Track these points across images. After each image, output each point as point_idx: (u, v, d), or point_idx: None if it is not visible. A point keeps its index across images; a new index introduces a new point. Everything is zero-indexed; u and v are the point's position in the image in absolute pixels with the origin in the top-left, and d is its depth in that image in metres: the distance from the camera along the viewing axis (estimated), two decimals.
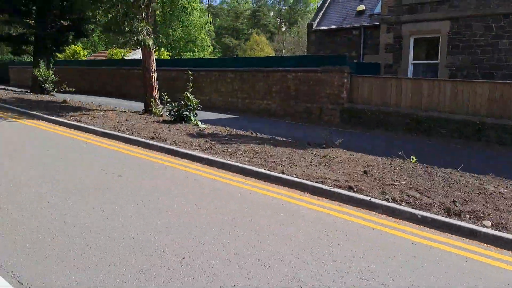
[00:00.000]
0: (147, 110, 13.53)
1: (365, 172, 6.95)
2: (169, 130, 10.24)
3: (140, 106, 18.20)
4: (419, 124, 12.97)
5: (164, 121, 11.78)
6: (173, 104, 11.49)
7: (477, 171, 7.54)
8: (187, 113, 11.25)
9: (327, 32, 23.24)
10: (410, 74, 15.61)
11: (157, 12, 64.30)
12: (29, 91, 20.22)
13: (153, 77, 13.39)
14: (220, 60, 20.93)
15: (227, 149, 8.21)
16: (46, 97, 17.18)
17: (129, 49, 28.29)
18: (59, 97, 17.89)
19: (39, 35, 20.35)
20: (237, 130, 11.69)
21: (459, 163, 7.99)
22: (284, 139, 10.69)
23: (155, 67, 13.49)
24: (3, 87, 27.05)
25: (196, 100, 11.54)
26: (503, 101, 11.52)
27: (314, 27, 24.00)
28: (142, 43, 11.69)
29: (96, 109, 14.86)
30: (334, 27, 23.09)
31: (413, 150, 9.81)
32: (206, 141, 8.99)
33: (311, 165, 7.40)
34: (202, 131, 10.28)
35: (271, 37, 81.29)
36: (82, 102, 17.59)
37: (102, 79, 27.73)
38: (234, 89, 19.25)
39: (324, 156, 8.08)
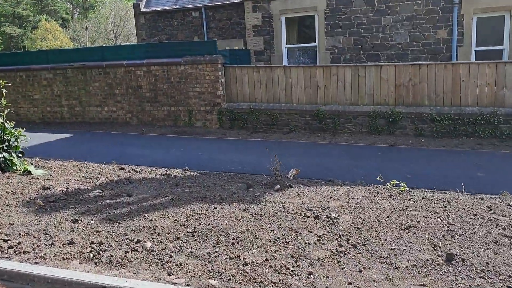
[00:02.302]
0: None
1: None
2: None
3: None
4: (321, 122, 10.83)
5: None
6: None
7: None
8: (6, 155, 6.20)
9: (160, 14, 19.32)
10: (285, 61, 13.40)
11: None
12: None
13: None
14: (24, 55, 14.69)
15: (139, 247, 4.07)
16: None
17: None
18: None
19: None
20: (101, 167, 7.27)
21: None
22: (180, 173, 6.93)
23: None
24: None
25: (17, 129, 6.50)
26: (413, 85, 10.26)
27: (142, 8, 19.71)
28: None
29: None
30: (168, 7, 19.32)
31: (354, 159, 7.42)
32: (77, 222, 4.42)
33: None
34: (47, 188, 5.60)
35: (63, 24, 70.30)
36: None
37: None
38: (55, 95, 13.68)
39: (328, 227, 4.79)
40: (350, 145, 9.55)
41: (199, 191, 5.63)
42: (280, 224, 4.34)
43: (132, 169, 7.17)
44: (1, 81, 6.50)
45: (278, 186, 5.70)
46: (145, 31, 20.33)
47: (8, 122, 6.50)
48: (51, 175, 6.43)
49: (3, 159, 6.26)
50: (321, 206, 4.93)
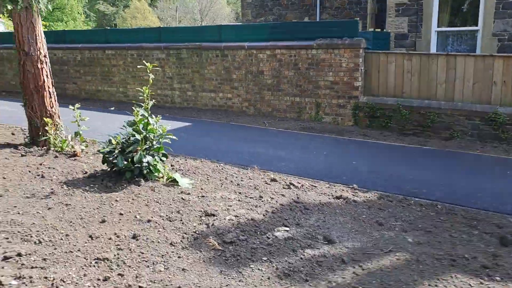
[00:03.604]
0: (35, 140, 6.53)
1: None
2: (135, 239, 3.64)
3: (11, 112, 10.56)
4: (497, 128, 8.47)
5: (91, 177, 5.19)
6: (115, 141, 4.93)
7: None
8: (150, 159, 4.85)
9: None
10: (433, 47, 11.03)
11: None
12: None
13: (44, 71, 6.35)
14: (136, 33, 13.73)
15: None
16: None
17: None
18: None
19: None
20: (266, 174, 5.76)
21: None
22: (350, 194, 5.18)
23: (46, 49, 6.42)
24: None
25: (162, 126, 5.09)
26: None
27: None
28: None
29: None
30: None
31: None
32: None
33: None
34: (211, 214, 4.09)
35: (151, 3, 71.90)
36: None
37: None
38: (167, 77, 12.60)
39: None
40: None
41: (426, 243, 3.80)
42: None
43: (290, 183, 5.55)
44: (148, 64, 5.11)
45: None
46: (251, 10, 18.81)
47: (153, 116, 5.13)
48: (202, 188, 4.98)
49: (146, 164, 4.90)
50: None
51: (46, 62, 6.53)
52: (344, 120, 10.25)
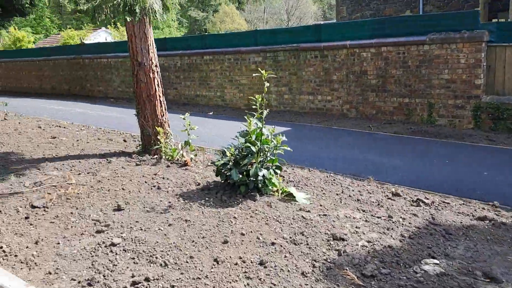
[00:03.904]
0: (147, 148, 6.64)
1: None
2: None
3: (120, 118, 11.18)
4: None
5: (204, 189, 5.04)
6: (229, 153, 4.69)
7: None
8: (266, 172, 4.52)
9: None
10: None
11: None
12: None
13: (156, 81, 6.43)
14: (232, 36, 13.68)
15: None
16: None
17: (91, 27, 20.63)
18: None
19: None
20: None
21: None
22: (492, 214, 4.36)
23: (157, 59, 6.49)
24: None
25: (276, 136, 4.74)
26: None
27: None
28: (139, 8, 4.73)
29: (31, 165, 7.82)
30: None
31: None
32: None
33: None
34: (340, 238, 3.62)
35: (238, 6, 73.48)
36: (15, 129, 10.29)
37: (52, 74, 20.10)
38: (263, 80, 12.42)
39: None
40: None
41: None
42: None
43: (418, 199, 4.87)
44: (263, 71, 4.82)
45: None
46: (346, 6, 18.01)
47: (266, 127, 4.82)
48: (321, 205, 4.55)
49: (261, 178, 4.60)
50: None
51: (157, 72, 6.61)
52: (462, 122, 9.14)
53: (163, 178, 5.43)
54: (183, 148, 6.46)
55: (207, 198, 4.66)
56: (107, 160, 6.33)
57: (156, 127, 6.52)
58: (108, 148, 7.43)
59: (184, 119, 6.29)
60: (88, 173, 5.67)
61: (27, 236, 3.73)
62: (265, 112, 4.83)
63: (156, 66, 6.57)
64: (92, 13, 4.98)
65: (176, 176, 5.55)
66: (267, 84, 4.85)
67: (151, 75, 6.50)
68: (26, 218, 4.14)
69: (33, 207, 4.36)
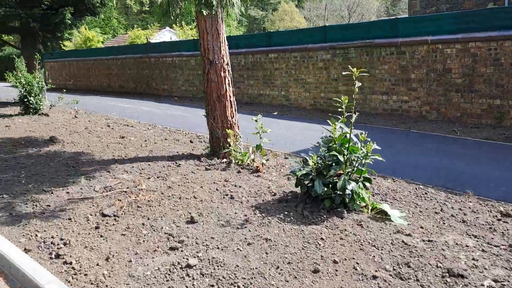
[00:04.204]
0: (215, 151, 6.28)
1: None
2: None
3: (184, 117, 11.00)
4: None
5: (281, 201, 4.54)
6: (312, 162, 4.16)
7: None
8: (355, 185, 3.95)
9: None
10: None
11: None
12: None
13: (227, 80, 6.05)
14: (299, 33, 13.01)
15: None
16: (22, 124, 9.70)
17: (157, 27, 20.99)
18: (51, 118, 10.63)
19: (21, 17, 13.28)
20: None
21: None
22: None
23: (228, 57, 6.10)
24: None
25: (367, 143, 4.13)
26: None
27: None
28: (216, 0, 4.33)
29: (108, 168, 7.76)
30: None
31: None
32: None
33: None
34: (458, 274, 2.95)
35: (298, 4, 72.48)
36: (85, 129, 10.44)
37: (120, 73, 20.70)
38: (331, 79, 11.75)
39: None
40: None
41: None
42: None
43: None
44: (354, 69, 4.24)
45: None
46: (420, 1, 16.75)
47: (354, 134, 4.23)
48: (421, 227, 3.88)
49: (349, 192, 4.02)
50: None
51: (228, 71, 6.22)
52: None
53: (235, 185, 5.02)
54: (254, 153, 6.02)
55: (286, 212, 4.17)
56: (176, 163, 6.04)
57: (226, 129, 6.14)
58: (176, 149, 7.18)
59: (256, 121, 5.85)
60: (157, 177, 5.39)
61: (98, 250, 3.44)
62: (354, 116, 4.23)
63: (227, 64, 6.19)
64: (166, 6, 4.65)
65: (248, 183, 5.11)
66: (358, 84, 4.22)
67: (222, 74, 6.12)
68: (96, 228, 3.88)
69: (103, 215, 4.10)
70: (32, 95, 10.51)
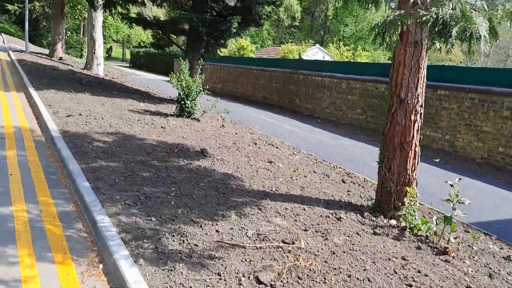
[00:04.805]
0: (382, 207, 5.09)
1: None
2: None
3: (329, 144, 9.94)
4: None
5: None
6: None
7: None
8: None
9: None
10: None
11: (330, 5, 56.39)
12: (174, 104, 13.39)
13: (416, 125, 4.87)
14: (481, 72, 10.90)
15: None
16: (176, 127, 9.71)
17: (310, 43, 20.63)
18: (209, 128, 10.56)
19: (193, 20, 13.86)
20: None
21: None
22: None
23: (423, 97, 4.91)
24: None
25: None
26: None
27: None
28: (456, 31, 3.27)
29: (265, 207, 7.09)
30: None
31: None
32: None
33: None
34: None
35: None
36: (250, 149, 10.08)
37: (266, 84, 20.74)
38: None
39: None
40: None
41: None
42: None
43: None
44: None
45: None
46: None
47: None
48: None
49: None
50: None
51: (420, 114, 5.02)
52: None
53: (419, 271, 3.79)
54: (438, 225, 4.68)
55: None
56: (335, 215, 5.03)
57: (403, 186, 4.92)
58: (329, 190, 6.20)
59: (451, 185, 4.52)
60: (316, 231, 4.44)
61: None
62: None
63: (421, 106, 4.98)
64: (381, 31, 3.71)
65: (436, 272, 3.83)
66: None
67: (412, 117, 4.94)
68: None
69: (258, 281, 3.28)
70: (190, 98, 10.63)
